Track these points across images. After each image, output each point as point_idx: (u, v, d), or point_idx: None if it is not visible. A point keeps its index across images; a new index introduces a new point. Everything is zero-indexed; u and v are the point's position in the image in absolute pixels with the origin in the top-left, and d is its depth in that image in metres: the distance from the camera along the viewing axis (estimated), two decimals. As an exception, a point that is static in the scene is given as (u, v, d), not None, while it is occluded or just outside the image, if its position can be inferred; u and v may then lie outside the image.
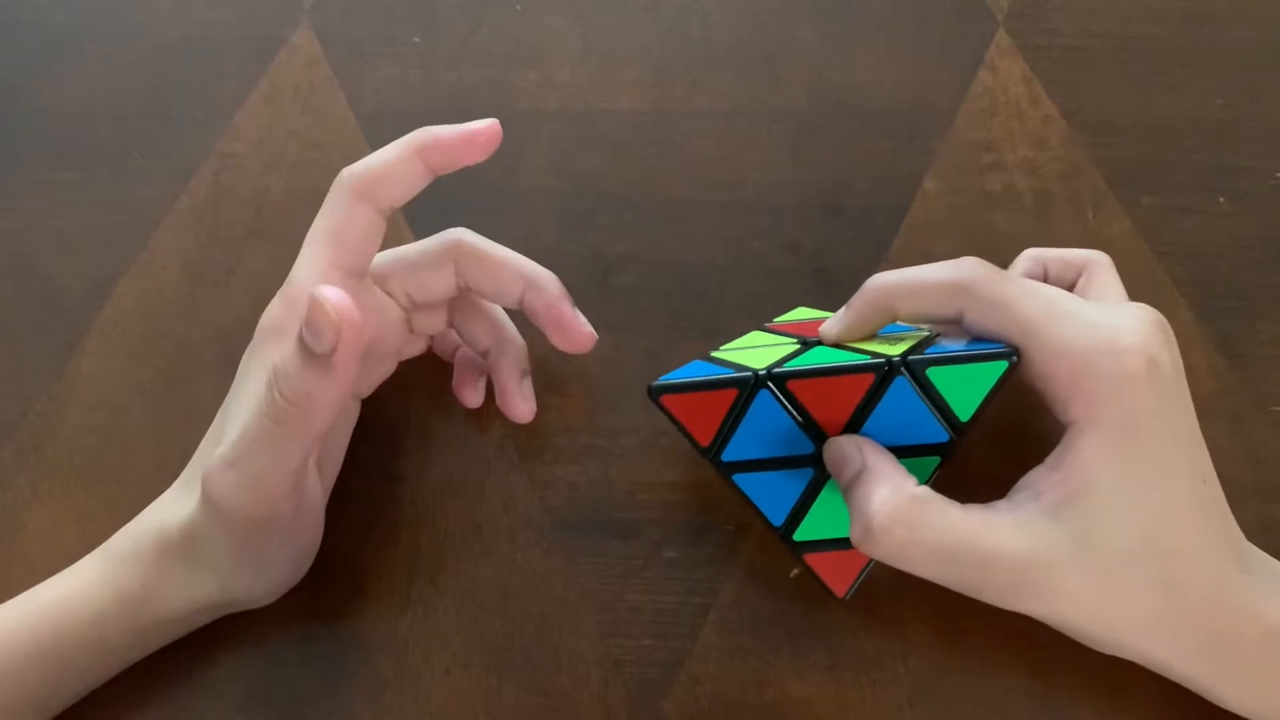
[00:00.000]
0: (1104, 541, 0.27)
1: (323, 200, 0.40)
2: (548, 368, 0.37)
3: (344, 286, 0.27)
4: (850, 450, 0.28)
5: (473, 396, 0.36)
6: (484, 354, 0.35)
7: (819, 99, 0.42)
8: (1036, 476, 0.28)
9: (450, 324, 0.36)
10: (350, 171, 0.31)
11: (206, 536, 0.30)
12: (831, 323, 0.30)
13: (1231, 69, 0.42)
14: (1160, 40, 0.42)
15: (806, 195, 0.40)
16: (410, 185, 0.31)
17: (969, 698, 0.32)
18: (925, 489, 0.27)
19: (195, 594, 0.31)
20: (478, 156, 0.31)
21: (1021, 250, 0.36)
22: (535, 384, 0.36)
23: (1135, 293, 0.37)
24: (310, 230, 0.31)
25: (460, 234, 0.34)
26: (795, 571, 0.34)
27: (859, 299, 0.30)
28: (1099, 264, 0.34)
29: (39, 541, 0.35)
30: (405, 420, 0.37)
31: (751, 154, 0.41)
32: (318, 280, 0.30)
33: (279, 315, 0.31)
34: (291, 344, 0.26)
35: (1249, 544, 0.29)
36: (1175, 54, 0.42)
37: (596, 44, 0.44)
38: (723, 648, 0.33)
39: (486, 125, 0.31)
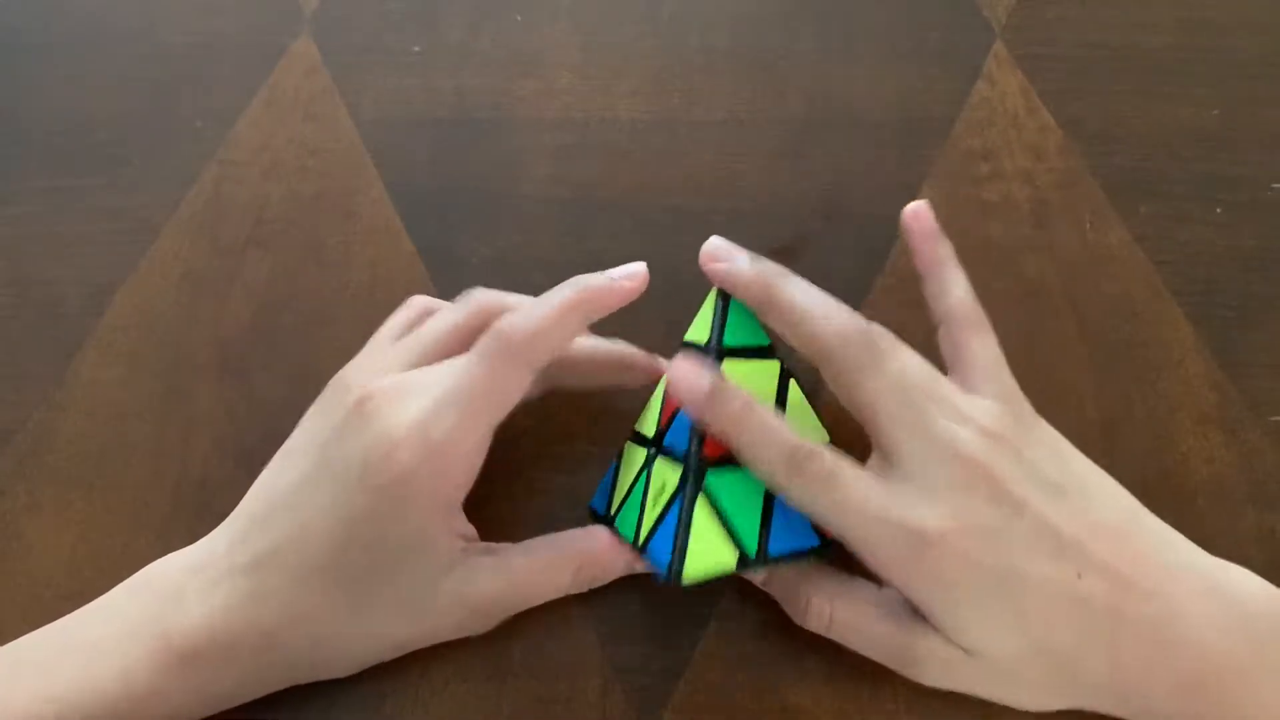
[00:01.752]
0: (986, 657, 0.29)
1: (323, 206, 0.41)
2: (549, 370, 0.37)
3: (486, 442, 0.30)
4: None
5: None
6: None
7: (817, 108, 0.42)
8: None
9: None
10: (510, 333, 0.29)
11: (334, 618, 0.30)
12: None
13: (1228, 79, 0.42)
14: (1157, 51, 0.43)
15: (804, 203, 0.40)
16: (568, 342, 0.31)
17: (964, 707, 0.32)
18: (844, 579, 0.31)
19: (287, 684, 0.31)
20: (627, 300, 0.31)
21: (1018, 260, 0.36)
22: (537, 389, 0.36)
23: (1133, 302, 0.37)
24: (460, 384, 0.29)
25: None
26: (794, 580, 0.34)
27: (747, 276, 0.31)
28: (960, 320, 0.32)
29: (38, 548, 0.35)
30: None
31: (750, 162, 0.41)
32: (467, 446, 0.29)
33: (426, 477, 0.29)
34: (439, 512, 0.29)
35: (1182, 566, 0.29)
36: (1172, 64, 0.42)
37: (596, 53, 0.44)
38: (722, 656, 0.33)
39: (636, 272, 0.31)
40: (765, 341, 0.32)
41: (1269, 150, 0.40)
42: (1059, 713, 0.30)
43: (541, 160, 0.42)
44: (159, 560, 0.32)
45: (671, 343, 0.37)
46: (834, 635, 0.31)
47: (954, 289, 0.32)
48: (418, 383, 0.30)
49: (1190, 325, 0.37)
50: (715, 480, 0.30)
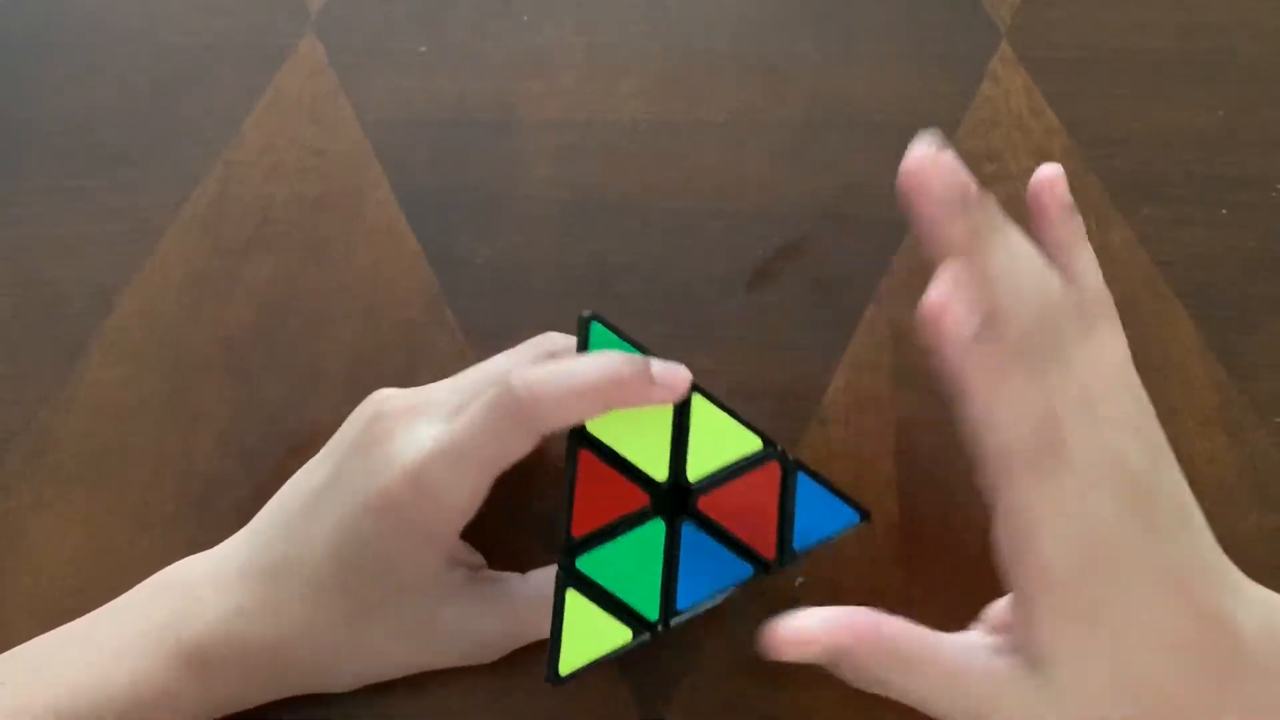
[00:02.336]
0: (1079, 709, 0.25)
1: (326, 206, 0.41)
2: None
3: (485, 492, 0.29)
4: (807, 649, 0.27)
5: None
6: None
7: (821, 109, 0.42)
8: (1002, 619, 0.28)
9: None
10: (526, 392, 0.26)
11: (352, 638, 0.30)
12: None
13: (1232, 81, 0.42)
14: (1161, 52, 0.43)
15: (808, 205, 0.40)
16: (582, 419, 0.28)
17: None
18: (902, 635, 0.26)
19: (294, 689, 0.31)
20: (657, 404, 0.28)
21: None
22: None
23: (1136, 302, 0.37)
24: (467, 434, 0.28)
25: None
26: (799, 580, 0.34)
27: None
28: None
29: (42, 548, 0.35)
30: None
31: (753, 163, 0.41)
32: (466, 497, 0.28)
33: (416, 515, 0.28)
34: (433, 549, 0.29)
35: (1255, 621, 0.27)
36: (1176, 66, 0.42)
37: (600, 54, 0.44)
38: (726, 656, 0.33)
39: (677, 382, 0.28)
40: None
41: (1272, 152, 0.40)
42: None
43: (545, 161, 0.42)
44: (182, 561, 0.32)
45: (673, 348, 0.37)
46: (891, 691, 0.27)
47: (1087, 275, 0.28)
48: (433, 402, 0.30)
49: (1193, 326, 0.37)
50: (591, 560, 0.28)
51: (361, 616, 0.30)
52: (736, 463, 0.29)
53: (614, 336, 0.29)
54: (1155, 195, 0.40)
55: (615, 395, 0.27)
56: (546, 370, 0.27)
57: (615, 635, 0.27)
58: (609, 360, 0.27)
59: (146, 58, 0.45)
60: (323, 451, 0.32)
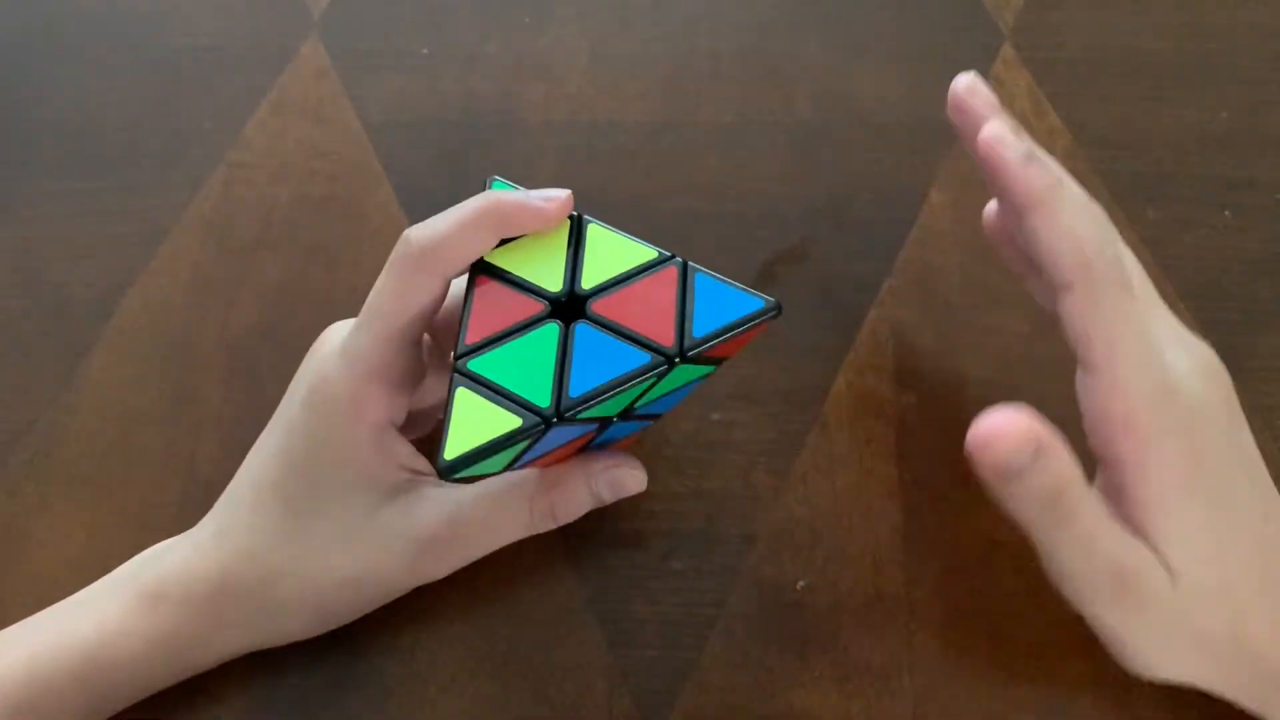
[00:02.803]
0: (1186, 580, 0.26)
1: (331, 208, 0.41)
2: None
3: (405, 355, 0.30)
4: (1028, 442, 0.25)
5: None
6: None
7: (825, 110, 0.42)
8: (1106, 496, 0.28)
9: None
10: (416, 239, 0.29)
11: (278, 569, 0.30)
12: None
13: (1236, 83, 0.42)
14: (1165, 55, 0.43)
15: (812, 206, 0.40)
16: (476, 253, 0.29)
17: (973, 710, 0.32)
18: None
19: (251, 640, 0.32)
20: (546, 226, 0.29)
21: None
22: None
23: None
24: (373, 298, 0.29)
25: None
26: (801, 583, 0.34)
27: (1035, 175, 0.27)
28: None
29: (47, 549, 0.36)
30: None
31: (757, 165, 0.41)
32: (381, 356, 0.29)
33: (349, 387, 0.29)
34: (365, 426, 0.29)
35: None
36: (1180, 68, 0.42)
37: (604, 56, 0.44)
38: (729, 659, 0.33)
39: (556, 195, 0.29)
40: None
41: (1276, 154, 0.40)
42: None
43: (549, 163, 0.42)
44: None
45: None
46: (1060, 538, 0.26)
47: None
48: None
49: (1198, 329, 0.37)
50: (484, 362, 0.27)
51: (302, 528, 0.30)
52: (632, 269, 0.29)
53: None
54: (1159, 198, 0.40)
55: (499, 219, 0.29)
56: (436, 217, 0.29)
57: (505, 422, 0.26)
58: (491, 193, 0.29)
59: (152, 61, 0.45)
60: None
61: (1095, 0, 0.44)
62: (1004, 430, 0.24)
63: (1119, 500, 0.27)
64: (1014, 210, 0.27)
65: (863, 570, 0.33)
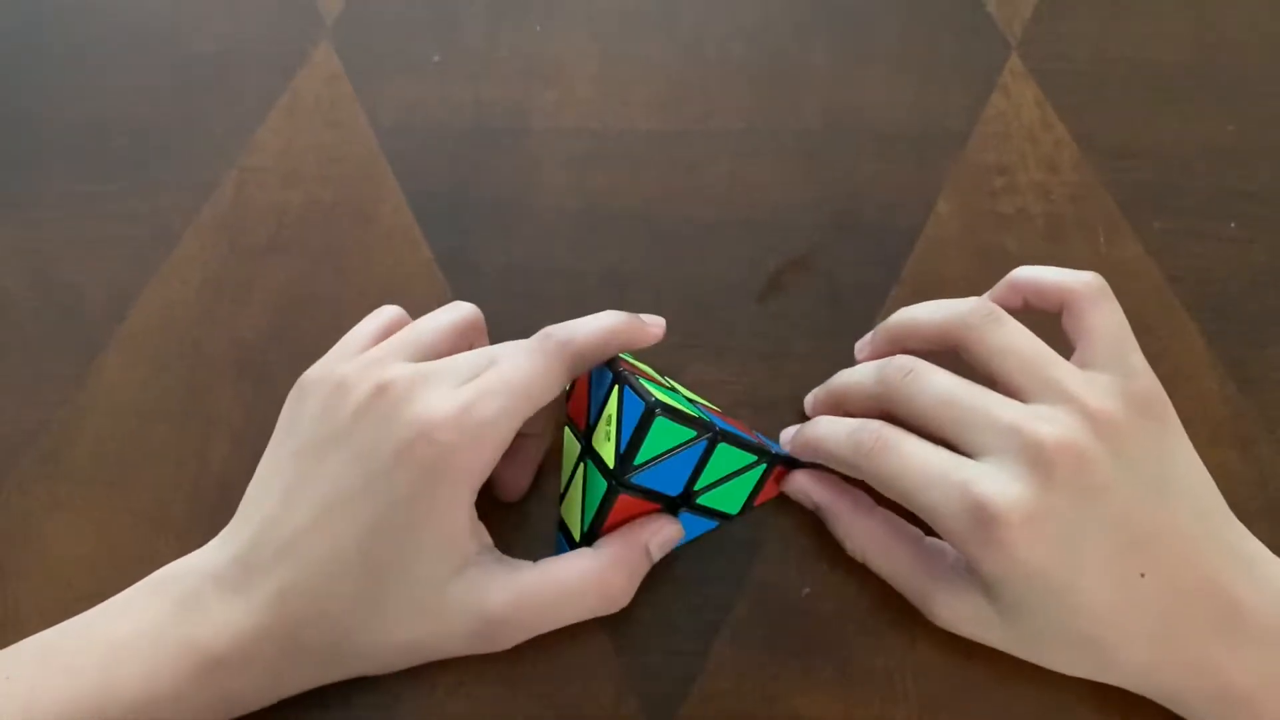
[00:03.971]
0: (1029, 629, 0.30)
1: (342, 212, 0.41)
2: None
3: (516, 430, 0.30)
4: (801, 495, 0.35)
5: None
6: (528, 435, 0.34)
7: (833, 120, 0.43)
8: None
9: None
10: (563, 336, 0.31)
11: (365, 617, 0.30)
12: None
13: (1243, 94, 0.42)
14: (1172, 66, 0.43)
15: (820, 215, 0.41)
16: (601, 360, 0.32)
17: (977, 715, 0.32)
18: (883, 524, 0.33)
19: (307, 685, 0.31)
20: (649, 344, 0.34)
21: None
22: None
23: (1146, 317, 0.37)
24: (512, 375, 0.30)
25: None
26: (806, 590, 0.34)
27: (794, 446, 0.34)
28: (1079, 297, 0.32)
29: (58, 549, 0.36)
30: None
31: (766, 173, 0.42)
32: (511, 432, 0.30)
33: (467, 454, 0.29)
34: (468, 491, 0.30)
35: (1250, 585, 0.29)
36: (1187, 79, 0.42)
37: (614, 64, 0.44)
38: (734, 664, 0.33)
39: (661, 323, 0.34)
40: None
41: (1284, 166, 0.40)
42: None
43: (558, 169, 0.42)
44: (173, 563, 0.32)
45: (684, 358, 0.38)
46: (868, 562, 0.33)
47: (1057, 281, 0.32)
48: (440, 371, 0.31)
49: (1204, 340, 0.37)
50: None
51: (380, 594, 0.30)
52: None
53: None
54: (1166, 209, 0.40)
55: (624, 334, 0.32)
56: (574, 322, 0.32)
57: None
58: (616, 314, 0.33)
59: (165, 64, 0.46)
60: (290, 447, 0.32)
61: (1103, 11, 0.44)
62: (790, 487, 0.35)
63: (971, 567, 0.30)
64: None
65: (867, 577, 0.34)
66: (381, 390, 0.30)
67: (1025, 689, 0.32)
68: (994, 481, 0.28)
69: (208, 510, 0.36)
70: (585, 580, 0.31)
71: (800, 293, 0.39)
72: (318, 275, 0.40)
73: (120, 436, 0.38)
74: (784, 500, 0.35)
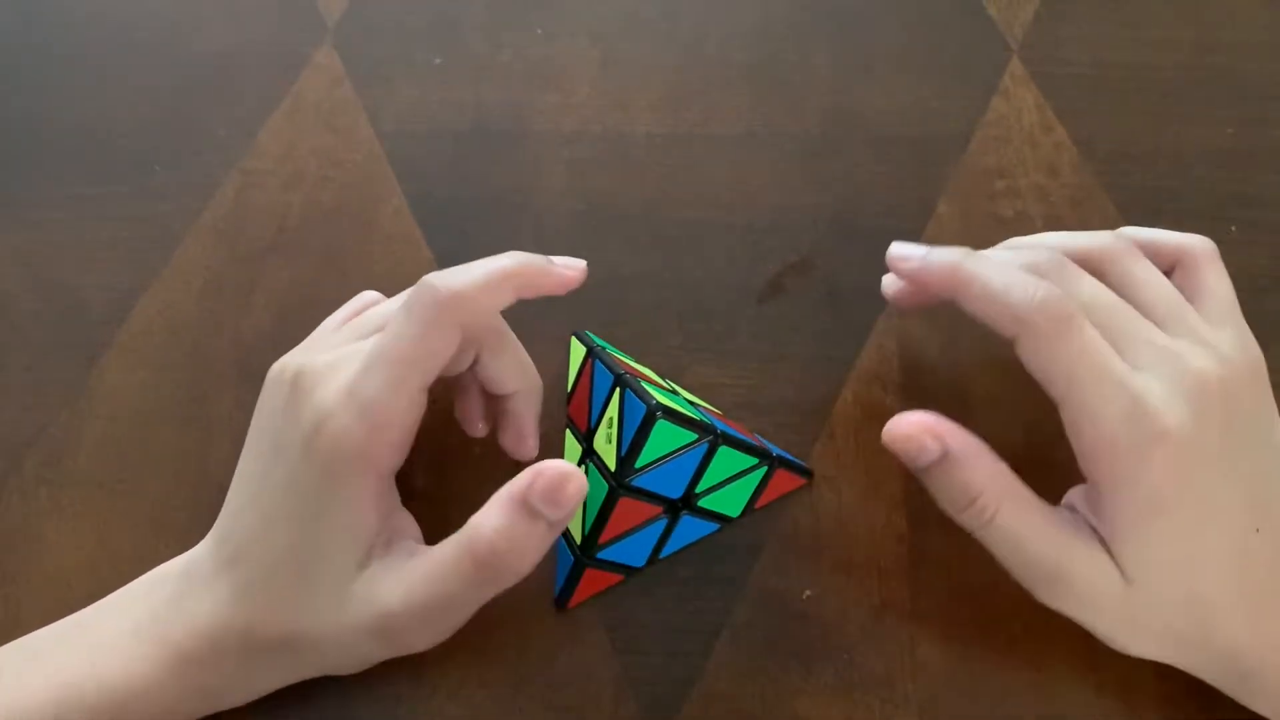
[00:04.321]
0: (1144, 588, 0.28)
1: (343, 215, 0.41)
2: (563, 384, 0.37)
3: (416, 403, 0.29)
4: (927, 439, 0.28)
5: (481, 426, 0.35)
6: (508, 395, 0.34)
7: (833, 122, 0.43)
8: (1083, 502, 0.29)
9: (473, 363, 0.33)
10: (440, 288, 0.28)
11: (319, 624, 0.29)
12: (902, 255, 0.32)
13: (1243, 98, 0.42)
14: (1172, 70, 0.43)
15: (820, 218, 0.41)
16: (496, 309, 0.30)
17: (978, 718, 0.32)
18: (1015, 480, 0.29)
19: (284, 680, 0.31)
20: (561, 291, 0.32)
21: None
22: (551, 399, 0.36)
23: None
24: (389, 342, 0.29)
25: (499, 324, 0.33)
26: (807, 593, 0.34)
27: (935, 266, 0.30)
28: (1196, 256, 0.32)
29: (59, 553, 0.36)
30: (420, 439, 0.37)
31: (766, 176, 0.42)
32: (397, 406, 0.28)
33: (359, 438, 0.28)
34: (371, 477, 0.28)
35: None
36: (1187, 83, 0.42)
37: (615, 66, 0.44)
38: (734, 667, 0.33)
39: (576, 264, 0.32)
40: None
41: (1283, 170, 0.41)
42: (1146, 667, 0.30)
43: (559, 173, 0.42)
44: (162, 564, 0.33)
45: (683, 360, 0.38)
46: (987, 537, 0.29)
47: (1175, 238, 0.32)
48: (350, 353, 0.30)
49: (1203, 343, 0.37)
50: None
51: (316, 588, 0.29)
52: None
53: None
54: (1166, 213, 0.40)
55: (523, 280, 0.30)
56: (459, 268, 0.29)
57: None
58: (514, 254, 0.30)
59: (166, 66, 0.46)
60: (250, 436, 0.32)
61: (1103, 15, 0.44)
62: (905, 431, 0.28)
63: (1098, 514, 0.28)
64: (947, 300, 0.30)
65: (868, 581, 0.34)
66: (295, 384, 0.30)
67: (1026, 693, 0.32)
68: (1164, 398, 0.27)
69: (208, 513, 0.36)
70: (459, 551, 0.28)
71: (801, 295, 0.39)
72: (319, 277, 0.40)
73: (121, 439, 0.38)
74: (785, 503, 0.35)
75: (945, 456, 0.28)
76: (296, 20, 0.46)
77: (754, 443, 0.33)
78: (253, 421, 0.33)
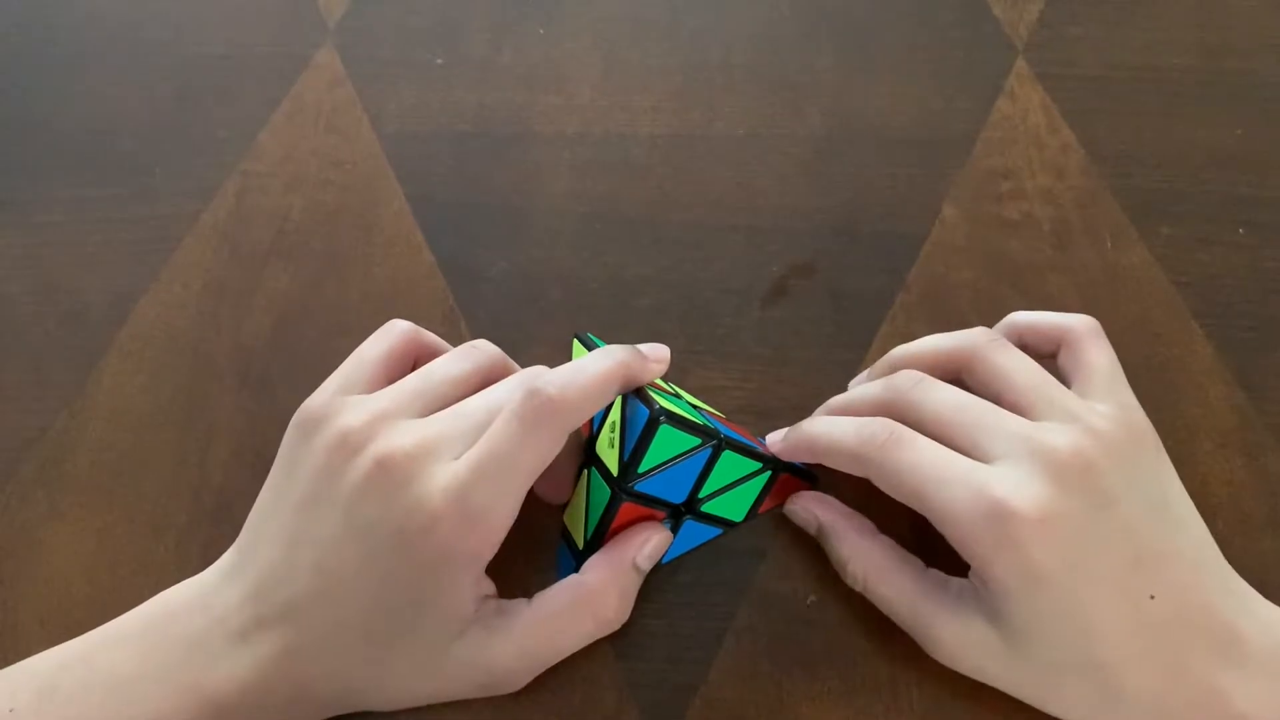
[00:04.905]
0: (1036, 656, 0.29)
1: (344, 217, 0.41)
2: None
3: (521, 500, 0.29)
4: (806, 516, 0.34)
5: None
6: None
7: (837, 124, 0.42)
8: (974, 573, 0.30)
9: None
10: (556, 399, 0.28)
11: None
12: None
13: (1250, 100, 0.42)
14: (1179, 71, 0.43)
15: (824, 220, 0.40)
16: (598, 409, 0.30)
17: (983, 727, 0.32)
18: (887, 552, 0.32)
19: (331, 715, 0.31)
20: (653, 379, 0.32)
21: (1038, 279, 0.36)
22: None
23: (1153, 323, 0.37)
24: (503, 451, 0.28)
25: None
26: (812, 598, 0.34)
27: (790, 444, 0.34)
28: (1078, 334, 0.33)
29: (58, 556, 0.36)
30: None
31: (769, 178, 0.41)
32: (507, 513, 0.29)
33: (471, 544, 0.29)
34: (476, 569, 0.29)
35: (1244, 615, 0.29)
36: (1194, 85, 0.42)
37: (617, 69, 0.44)
38: (737, 672, 0.33)
39: (664, 356, 0.33)
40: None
41: (1291, 172, 0.40)
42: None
43: (561, 175, 0.42)
44: (173, 592, 0.31)
45: (687, 363, 0.38)
46: (868, 593, 0.32)
47: (1055, 320, 0.33)
48: (442, 439, 0.29)
49: (1211, 347, 0.37)
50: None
51: (384, 657, 0.30)
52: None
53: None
54: (1173, 215, 0.40)
55: (622, 382, 0.30)
56: (564, 371, 0.30)
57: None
58: (611, 351, 0.31)
59: (167, 68, 0.46)
60: (300, 482, 0.30)
61: (1109, 16, 0.44)
62: (791, 505, 0.34)
63: (984, 586, 0.29)
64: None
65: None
66: (381, 466, 0.29)
67: (1031, 699, 0.32)
68: (1010, 482, 0.28)
69: (207, 517, 0.36)
70: (577, 609, 0.31)
71: (804, 298, 0.39)
72: (319, 280, 0.40)
73: (120, 443, 0.37)
74: (788, 508, 0.35)
75: (819, 529, 0.33)
76: (297, 21, 0.46)
77: (758, 447, 0.33)
78: (285, 463, 0.31)
